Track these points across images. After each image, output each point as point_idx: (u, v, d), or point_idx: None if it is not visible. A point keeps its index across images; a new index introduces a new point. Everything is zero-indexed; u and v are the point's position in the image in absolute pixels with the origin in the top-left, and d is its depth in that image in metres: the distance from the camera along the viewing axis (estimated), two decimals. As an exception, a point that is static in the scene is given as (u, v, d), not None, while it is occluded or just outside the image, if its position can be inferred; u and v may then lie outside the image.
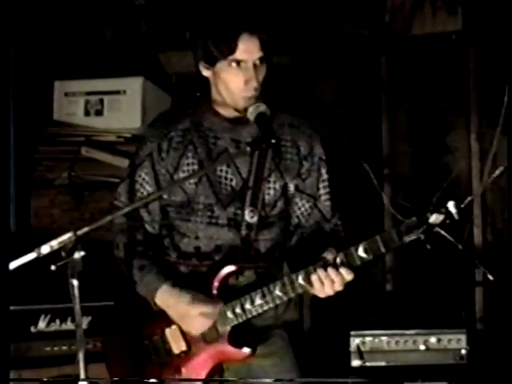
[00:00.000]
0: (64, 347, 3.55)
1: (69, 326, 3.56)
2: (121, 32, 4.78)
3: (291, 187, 2.70)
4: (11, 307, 2.42)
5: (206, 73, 2.62)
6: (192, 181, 2.63)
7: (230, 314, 2.57)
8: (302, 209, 2.72)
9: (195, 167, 2.65)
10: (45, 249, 2.17)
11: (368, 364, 3.81)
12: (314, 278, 2.45)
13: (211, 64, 2.58)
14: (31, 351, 3.52)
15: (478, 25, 4.44)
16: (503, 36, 4.27)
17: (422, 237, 2.22)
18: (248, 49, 2.52)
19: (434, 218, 2.17)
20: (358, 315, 4.14)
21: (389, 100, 4.60)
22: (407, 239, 2.29)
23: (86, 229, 2.22)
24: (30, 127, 4.45)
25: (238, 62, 2.53)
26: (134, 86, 4.38)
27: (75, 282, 2.19)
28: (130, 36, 4.78)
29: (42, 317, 3.56)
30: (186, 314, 2.58)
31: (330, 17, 4.59)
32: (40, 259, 2.19)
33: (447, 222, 2.20)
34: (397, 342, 3.80)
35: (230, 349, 2.59)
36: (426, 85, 4.55)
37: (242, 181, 2.65)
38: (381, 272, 4.46)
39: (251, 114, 2.56)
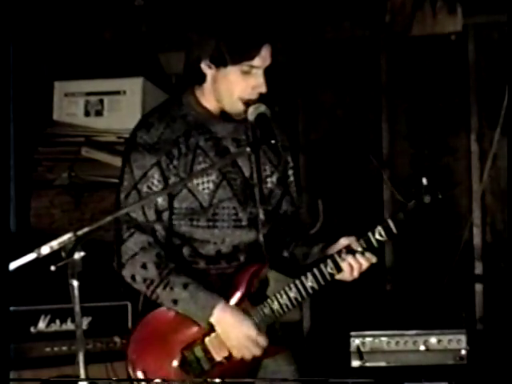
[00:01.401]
0: (64, 348, 3.55)
1: (69, 326, 3.56)
2: (121, 32, 4.78)
3: (281, 178, 2.76)
4: (11, 308, 2.42)
5: (207, 71, 2.61)
6: (206, 186, 2.61)
7: (268, 312, 2.59)
8: (277, 197, 2.76)
9: (210, 171, 2.62)
10: (45, 249, 2.17)
11: (368, 364, 3.81)
12: (344, 264, 2.56)
13: (217, 65, 2.58)
14: (31, 352, 3.52)
15: (478, 25, 4.44)
16: (503, 36, 4.27)
17: (427, 199, 2.54)
18: (264, 56, 2.56)
19: (427, 199, 2.55)
20: (358, 315, 4.14)
21: (389, 100, 4.60)
22: (411, 205, 2.56)
23: (86, 229, 2.22)
24: (29, 128, 4.45)
25: (249, 71, 2.55)
26: (133, 87, 4.38)
27: (75, 283, 2.19)
28: (129, 36, 4.78)
29: (42, 317, 3.56)
30: (250, 337, 2.56)
31: (330, 17, 4.59)
32: (40, 260, 2.19)
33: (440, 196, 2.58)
34: (397, 343, 3.80)
35: (268, 346, 2.59)
36: (426, 85, 4.55)
37: (244, 180, 2.66)
38: (381, 272, 4.46)
39: (251, 115, 2.57)
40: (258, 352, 2.56)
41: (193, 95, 2.69)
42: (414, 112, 4.59)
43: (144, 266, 2.60)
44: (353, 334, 3.83)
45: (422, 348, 3.79)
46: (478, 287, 4.38)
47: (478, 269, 4.41)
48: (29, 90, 4.48)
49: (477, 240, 4.42)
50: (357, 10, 4.54)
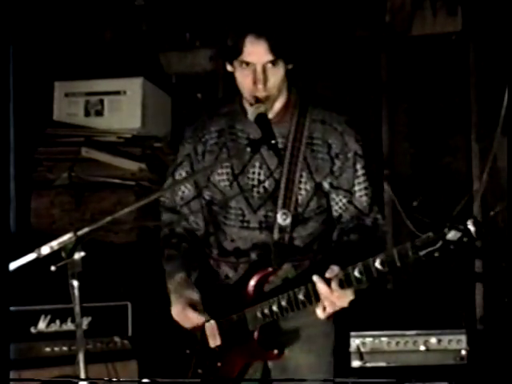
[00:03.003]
0: (64, 348, 3.55)
1: (69, 326, 3.56)
2: (121, 32, 4.78)
3: (325, 185, 2.68)
4: (11, 308, 2.42)
5: (229, 68, 2.65)
6: (223, 185, 2.69)
7: (259, 315, 2.59)
8: (340, 203, 2.70)
9: (228, 170, 2.68)
10: (45, 249, 2.17)
11: (368, 365, 3.81)
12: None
13: (230, 62, 2.61)
14: (31, 352, 3.52)
15: (478, 25, 4.44)
16: (503, 36, 4.27)
17: (437, 254, 2.15)
18: (255, 51, 2.52)
19: (452, 235, 2.08)
20: (358, 316, 4.14)
21: (389, 100, 4.60)
22: (422, 253, 2.19)
23: (86, 229, 2.22)
24: (30, 128, 4.44)
25: (247, 64, 2.54)
26: (134, 87, 4.38)
27: (75, 283, 2.19)
28: (129, 36, 4.78)
29: (42, 317, 3.56)
30: (181, 312, 2.68)
31: (330, 17, 4.59)
32: (40, 260, 2.19)
33: (464, 239, 2.11)
34: (397, 343, 3.80)
35: (258, 349, 2.61)
36: (426, 85, 4.55)
37: (274, 182, 2.65)
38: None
39: (251, 115, 2.57)
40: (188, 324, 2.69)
41: (237, 98, 2.72)
42: (414, 112, 4.60)
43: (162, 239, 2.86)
44: (353, 334, 3.83)
45: (422, 348, 3.79)
46: (479, 287, 4.38)
47: (479, 269, 4.41)
48: (29, 90, 4.48)
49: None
50: (357, 11, 4.55)
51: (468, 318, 4.19)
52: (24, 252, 2.21)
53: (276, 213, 2.64)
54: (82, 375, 2.23)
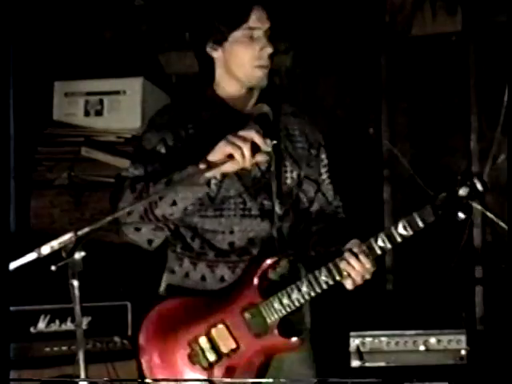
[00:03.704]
0: (64, 347, 3.55)
1: (68, 326, 3.56)
2: (121, 32, 4.78)
3: (302, 174, 2.74)
4: (11, 307, 2.42)
5: (215, 54, 2.67)
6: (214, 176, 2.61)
7: (277, 305, 2.58)
8: (309, 194, 2.76)
9: None
10: (45, 249, 2.17)
11: (368, 364, 3.81)
12: (344, 264, 2.54)
13: (220, 43, 2.63)
14: (31, 351, 3.52)
15: (478, 25, 4.45)
16: (503, 36, 4.27)
17: (453, 210, 2.39)
18: (260, 17, 2.62)
19: (463, 191, 2.38)
20: (357, 315, 4.14)
21: (389, 100, 4.60)
22: (441, 211, 2.44)
23: (86, 229, 2.22)
24: (29, 127, 4.44)
25: (251, 35, 2.60)
26: (133, 87, 4.38)
27: (75, 283, 2.19)
28: (129, 36, 4.78)
29: (42, 317, 3.56)
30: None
31: (330, 17, 4.59)
32: (40, 259, 2.19)
33: (473, 194, 2.41)
34: (397, 343, 3.80)
35: (280, 340, 2.60)
36: (426, 85, 4.56)
37: (260, 172, 2.66)
38: (381, 272, 4.46)
39: (253, 111, 2.61)
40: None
41: (212, 91, 2.73)
42: (414, 112, 4.60)
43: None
44: (352, 334, 3.83)
45: (422, 348, 3.80)
46: (478, 287, 4.38)
47: (478, 269, 4.41)
48: (29, 89, 4.48)
49: (477, 240, 4.43)
50: (357, 11, 4.55)
51: (468, 317, 4.19)
52: (24, 252, 2.21)
53: (273, 202, 2.65)
54: (82, 375, 2.23)
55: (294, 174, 2.71)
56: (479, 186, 2.39)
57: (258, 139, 2.43)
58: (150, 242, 2.61)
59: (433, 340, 3.79)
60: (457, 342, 3.78)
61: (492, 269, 4.40)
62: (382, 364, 3.81)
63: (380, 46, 4.59)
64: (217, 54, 2.67)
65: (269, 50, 2.63)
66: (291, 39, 4.58)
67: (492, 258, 4.41)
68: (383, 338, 3.81)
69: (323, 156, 2.82)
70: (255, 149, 2.44)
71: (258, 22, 2.61)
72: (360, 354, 3.80)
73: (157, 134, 2.66)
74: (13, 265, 2.16)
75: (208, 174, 2.46)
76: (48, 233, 4.11)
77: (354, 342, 3.82)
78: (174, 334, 2.61)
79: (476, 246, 4.41)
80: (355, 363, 3.81)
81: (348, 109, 4.65)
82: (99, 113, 4.42)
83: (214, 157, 2.44)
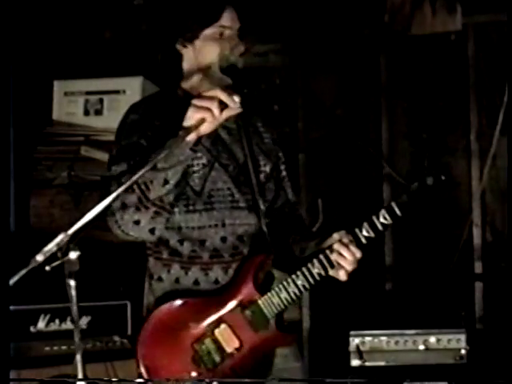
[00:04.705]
0: (63, 347, 3.55)
1: (68, 325, 3.56)
2: (120, 32, 4.78)
3: (273, 168, 2.79)
4: (11, 307, 2.42)
5: (184, 51, 2.70)
6: (197, 169, 2.60)
7: (276, 300, 2.59)
8: (273, 192, 2.78)
9: (200, 154, 2.61)
10: (40, 257, 2.14)
11: (367, 364, 3.81)
12: (335, 256, 2.57)
13: (191, 40, 2.66)
14: (31, 351, 3.52)
15: (478, 24, 4.45)
16: (503, 35, 4.27)
17: (424, 196, 2.55)
18: (232, 17, 2.65)
19: (430, 180, 2.57)
20: (357, 315, 4.14)
21: (388, 100, 4.60)
22: (414, 187, 2.57)
23: (76, 226, 2.21)
24: (29, 127, 4.45)
25: (221, 33, 2.63)
26: (133, 86, 4.39)
27: (72, 283, 2.18)
28: (129, 36, 4.78)
29: (42, 316, 3.56)
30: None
31: (329, 16, 4.59)
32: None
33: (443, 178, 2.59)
34: (396, 342, 3.80)
35: (279, 335, 2.61)
36: (426, 84, 4.55)
37: (238, 166, 2.68)
38: (380, 271, 4.46)
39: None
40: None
41: (180, 89, 2.74)
42: (413, 111, 4.60)
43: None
44: (352, 333, 3.83)
45: (422, 347, 3.79)
46: (478, 286, 4.38)
47: (478, 268, 4.41)
48: (28, 89, 4.48)
49: (477, 239, 4.43)
50: (356, 10, 4.55)
51: (467, 317, 4.19)
52: (24, 251, 2.21)
53: (256, 197, 2.67)
54: (80, 375, 2.22)
55: (267, 168, 2.75)
56: (429, 181, 2.55)
57: (223, 97, 2.43)
58: (152, 231, 2.55)
59: (432, 339, 3.79)
60: (456, 342, 3.78)
61: (492, 268, 4.40)
62: (382, 363, 3.81)
63: (379, 46, 4.59)
64: (186, 51, 2.70)
65: (241, 48, 2.66)
66: (286, 39, 4.59)
67: (492, 256, 4.41)
68: (383, 338, 3.81)
69: (281, 153, 2.84)
70: (225, 105, 2.45)
71: (229, 21, 2.65)
72: (360, 354, 3.80)
73: (133, 130, 2.64)
74: (12, 280, 2.14)
75: (189, 138, 2.43)
76: (47, 232, 4.11)
77: (354, 342, 3.82)
78: (175, 337, 2.59)
79: (476, 244, 4.41)
80: (355, 362, 3.81)
81: (347, 108, 4.65)
82: (99, 112, 4.42)
83: (188, 123, 2.42)
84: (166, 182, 2.48)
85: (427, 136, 4.54)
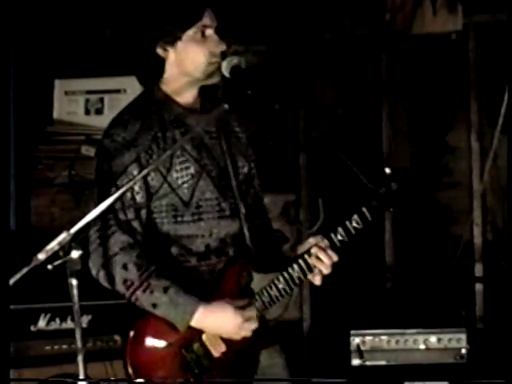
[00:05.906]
0: (64, 346, 3.54)
1: (69, 324, 3.55)
2: (121, 30, 4.77)
3: (250, 169, 2.81)
4: (11, 306, 2.41)
5: (165, 54, 2.67)
6: (186, 179, 2.61)
7: (259, 305, 2.61)
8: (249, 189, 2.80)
9: (188, 165, 2.62)
10: (42, 255, 2.14)
11: (368, 363, 3.81)
12: (313, 260, 2.60)
13: (172, 43, 2.64)
14: (31, 350, 3.51)
15: (479, 24, 4.45)
16: (503, 35, 4.27)
17: (395, 186, 2.65)
18: (211, 16, 2.65)
19: (394, 186, 2.65)
20: (358, 314, 4.14)
21: (389, 99, 4.60)
22: (381, 192, 2.66)
23: (77, 226, 2.21)
24: (30, 126, 4.45)
25: (203, 33, 2.63)
26: (134, 85, 4.34)
27: (74, 282, 2.19)
28: (129, 35, 4.77)
29: (42, 316, 3.56)
30: (237, 325, 2.56)
31: (330, 16, 4.59)
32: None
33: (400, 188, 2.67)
34: (397, 341, 3.80)
35: (261, 340, 2.65)
36: (427, 84, 4.56)
37: (220, 171, 2.68)
38: (381, 270, 4.46)
39: (225, 69, 2.61)
40: (249, 333, 2.58)
41: (161, 91, 2.73)
42: (414, 110, 4.60)
43: (125, 267, 2.54)
44: (353, 332, 3.83)
45: (422, 347, 3.80)
46: (479, 286, 4.38)
47: (479, 268, 4.41)
48: (29, 88, 4.48)
49: (477, 239, 4.43)
50: (357, 9, 4.54)
51: (468, 316, 4.19)
52: (24, 250, 2.21)
53: (237, 202, 2.68)
54: (81, 375, 2.23)
55: (245, 169, 2.76)
56: (394, 187, 2.65)
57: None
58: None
59: (433, 339, 3.79)
60: (457, 341, 3.78)
61: (492, 267, 4.40)
62: (383, 363, 3.81)
63: (380, 45, 4.59)
64: (168, 54, 2.68)
65: (222, 46, 2.66)
66: (291, 38, 4.58)
67: (492, 256, 4.41)
68: (384, 337, 3.81)
69: (250, 151, 2.84)
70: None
71: (210, 20, 2.65)
72: (360, 353, 3.80)
73: (126, 152, 2.60)
74: (12, 280, 2.15)
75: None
76: (48, 231, 4.11)
77: (355, 341, 3.82)
78: (166, 342, 2.57)
79: (476, 244, 4.41)
80: (356, 362, 3.81)
81: (348, 107, 4.65)
82: (99, 111, 4.42)
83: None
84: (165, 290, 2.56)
85: (427, 135, 4.55)
